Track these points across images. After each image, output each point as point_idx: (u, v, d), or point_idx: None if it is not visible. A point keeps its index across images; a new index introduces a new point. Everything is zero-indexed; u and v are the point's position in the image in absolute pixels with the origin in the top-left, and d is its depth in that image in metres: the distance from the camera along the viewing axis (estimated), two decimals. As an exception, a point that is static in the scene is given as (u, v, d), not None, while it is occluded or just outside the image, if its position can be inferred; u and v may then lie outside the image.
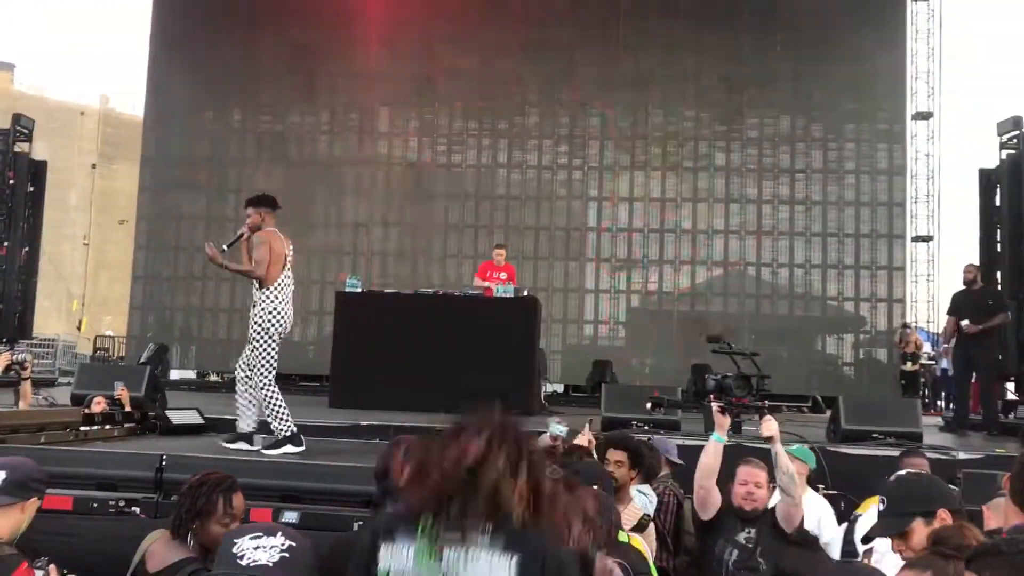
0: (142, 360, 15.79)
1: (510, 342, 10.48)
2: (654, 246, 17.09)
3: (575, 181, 17.50)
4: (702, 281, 17.21)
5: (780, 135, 17.07)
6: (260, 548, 1.54)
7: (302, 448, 6.12)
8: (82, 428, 6.62)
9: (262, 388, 6.35)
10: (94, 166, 35.25)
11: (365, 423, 7.96)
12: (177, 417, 7.63)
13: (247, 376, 6.51)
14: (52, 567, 2.91)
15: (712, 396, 6.04)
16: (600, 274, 17.32)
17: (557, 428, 5.06)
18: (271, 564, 1.50)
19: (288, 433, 6.21)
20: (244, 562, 1.52)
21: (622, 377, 15.50)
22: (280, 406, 6.32)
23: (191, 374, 18.45)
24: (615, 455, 4.49)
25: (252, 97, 18.40)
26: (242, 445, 6.10)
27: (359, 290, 11.36)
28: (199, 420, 7.75)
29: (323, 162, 18.10)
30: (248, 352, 6.48)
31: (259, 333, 6.36)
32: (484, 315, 10.68)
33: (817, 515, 5.00)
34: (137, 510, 3.83)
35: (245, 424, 6.37)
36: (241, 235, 6.45)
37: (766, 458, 4.39)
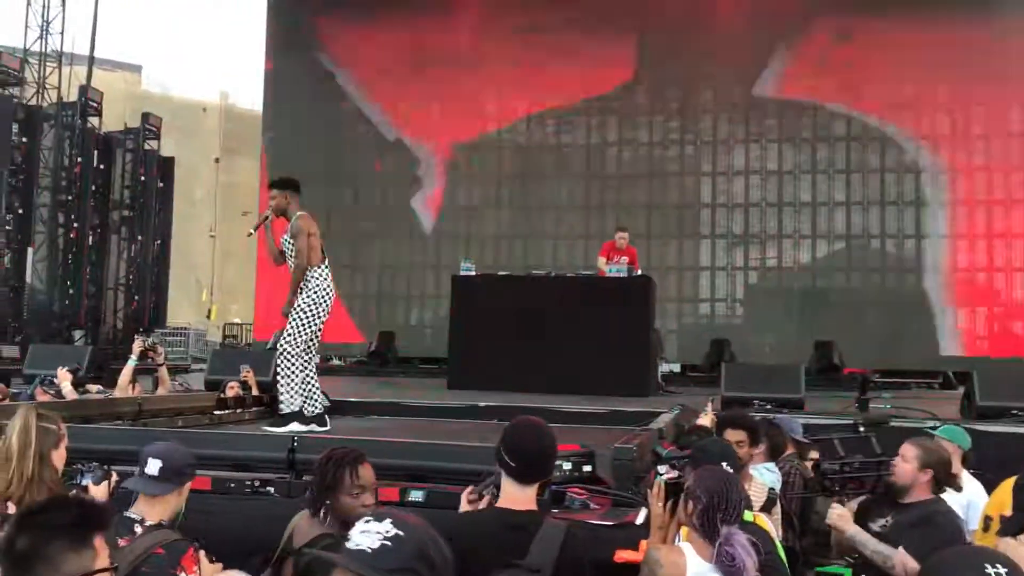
0: (269, 346, 16.35)
1: (625, 322, 10.40)
2: (771, 221, 16.65)
3: (687, 156, 17.20)
4: (823, 256, 16.67)
5: (903, 102, 16.31)
6: (365, 533, 1.57)
7: (320, 427, 6.04)
8: (216, 412, 6.93)
9: (285, 357, 6.07)
10: (217, 160, 36.64)
11: (483, 404, 8.05)
12: (304, 400, 7.85)
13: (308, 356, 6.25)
14: (201, 553, 3.06)
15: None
16: (716, 251, 17.00)
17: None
18: (370, 550, 1.53)
19: (296, 409, 6.06)
20: (350, 545, 1.55)
21: (741, 355, 15.19)
22: (297, 376, 6.11)
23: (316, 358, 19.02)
24: (734, 435, 4.40)
25: (368, 88, 18.76)
26: (313, 427, 6.02)
27: (473, 273, 11.47)
28: (326, 402, 7.97)
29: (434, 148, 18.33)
30: (288, 328, 6.16)
31: (306, 310, 6.06)
32: (598, 296, 10.64)
33: (967, 499, 4.70)
34: (272, 489, 3.98)
35: (311, 406, 6.16)
36: (266, 217, 6.25)
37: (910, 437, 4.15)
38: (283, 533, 3.17)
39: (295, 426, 5.85)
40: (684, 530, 3.01)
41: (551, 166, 17.78)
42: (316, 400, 6.24)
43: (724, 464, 3.33)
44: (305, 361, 6.17)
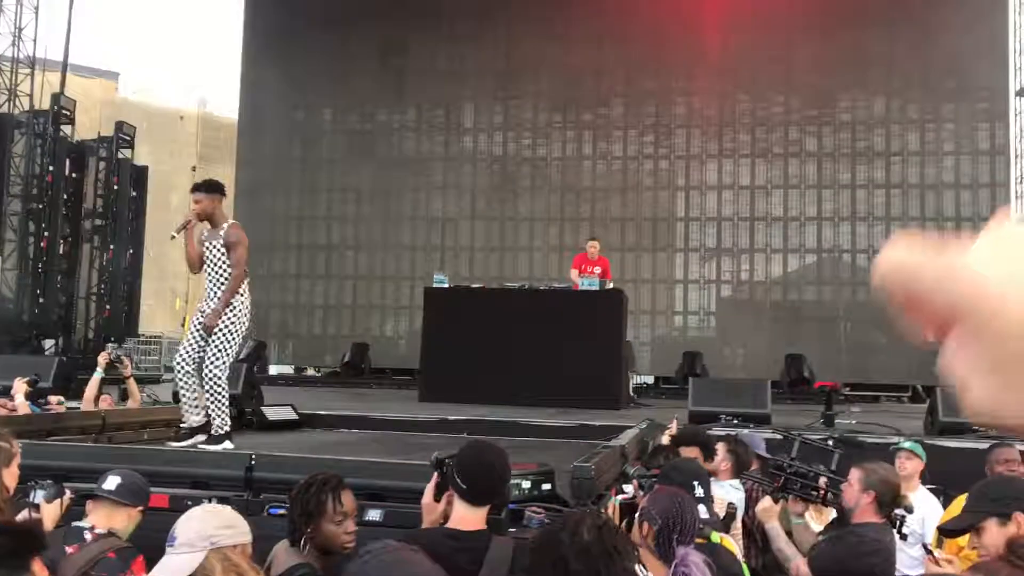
0: (240, 357, 16.29)
1: (597, 335, 10.47)
2: (744, 235, 16.80)
3: (661, 171, 17.33)
4: (795, 269, 16.84)
5: (874, 118, 16.54)
6: None
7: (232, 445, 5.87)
8: (182, 425, 6.89)
9: (218, 382, 5.81)
10: (194, 168, 36.48)
11: (453, 418, 8.06)
12: (273, 413, 7.86)
13: (193, 369, 5.93)
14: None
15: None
16: (689, 264, 17.13)
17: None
18: None
19: (228, 429, 5.91)
20: None
21: (713, 368, 15.31)
22: (226, 401, 5.93)
23: (289, 369, 18.97)
24: (688, 451, 4.45)
25: (342, 96, 18.78)
26: (199, 438, 5.82)
27: (447, 285, 11.50)
28: (294, 416, 7.97)
29: (410, 159, 18.37)
30: (206, 344, 5.85)
31: (233, 330, 5.82)
32: (570, 309, 10.69)
33: (922, 514, 4.79)
34: (229, 508, 3.97)
35: (195, 418, 5.95)
36: (188, 222, 5.94)
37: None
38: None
39: (227, 444, 5.75)
40: (640, 552, 3.03)
41: (526, 179, 17.85)
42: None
43: (695, 483, 3.36)
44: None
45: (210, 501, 3.92)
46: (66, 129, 16.42)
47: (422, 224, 18.13)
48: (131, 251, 17.55)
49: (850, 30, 16.21)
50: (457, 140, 18.29)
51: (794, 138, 16.78)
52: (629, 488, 3.39)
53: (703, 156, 17.12)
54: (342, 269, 18.46)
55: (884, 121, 16.49)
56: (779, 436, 6.95)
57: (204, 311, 5.88)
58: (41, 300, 15.42)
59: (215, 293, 5.87)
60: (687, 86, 17.20)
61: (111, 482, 3.29)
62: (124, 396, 7.99)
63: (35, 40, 18.06)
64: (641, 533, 2.92)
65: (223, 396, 5.84)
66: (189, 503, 3.91)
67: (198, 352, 5.88)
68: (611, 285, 11.45)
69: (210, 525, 2.55)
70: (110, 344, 16.09)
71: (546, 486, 4.16)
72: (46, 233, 15.58)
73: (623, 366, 10.98)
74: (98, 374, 7.39)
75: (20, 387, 6.74)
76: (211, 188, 6.05)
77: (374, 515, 3.81)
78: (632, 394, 11.81)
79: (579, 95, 17.65)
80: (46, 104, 16.46)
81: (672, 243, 17.17)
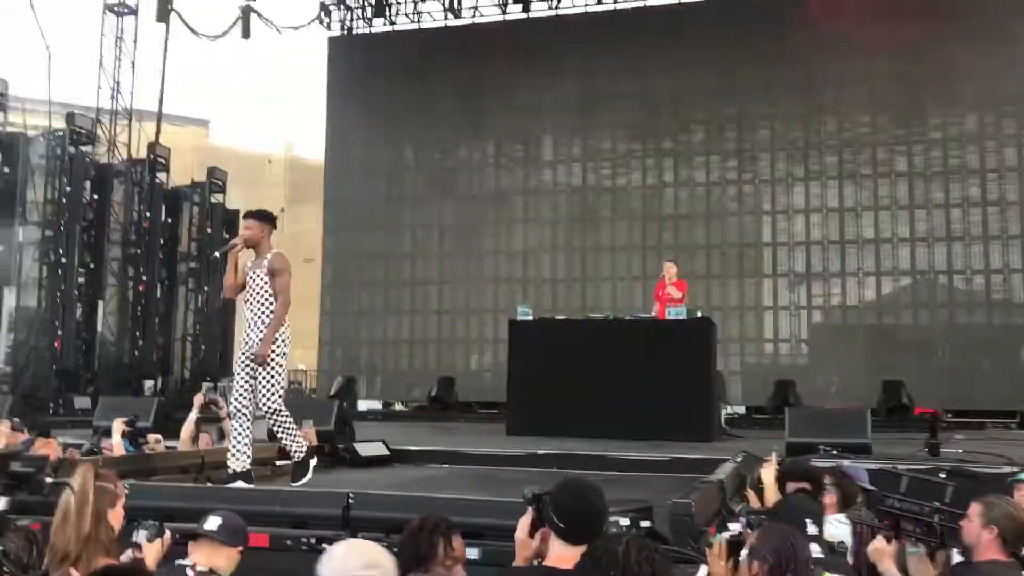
0: (331, 393, 16.58)
1: (685, 365, 10.27)
2: (834, 258, 16.38)
3: (746, 196, 17.07)
4: (889, 292, 16.32)
5: (967, 134, 16.01)
6: None
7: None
8: (277, 463, 6.99)
9: (279, 413, 5.74)
10: (282, 210, 37.47)
11: (542, 452, 7.99)
12: (364, 449, 7.91)
13: (250, 409, 5.80)
14: None
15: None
16: (778, 290, 16.76)
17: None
18: None
19: (305, 450, 5.85)
20: None
21: (807, 396, 14.89)
22: (294, 428, 5.86)
23: (378, 404, 19.17)
24: (794, 487, 4.29)
25: (423, 135, 19.10)
26: (240, 484, 5.61)
27: (531, 318, 11.47)
28: (385, 452, 8.02)
29: (491, 194, 18.52)
30: (249, 380, 5.77)
31: (280, 361, 5.78)
32: (658, 339, 10.52)
33: None
34: (327, 546, 3.98)
35: (242, 462, 5.77)
36: (233, 245, 5.87)
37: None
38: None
39: (313, 462, 5.80)
40: None
41: (607, 208, 17.79)
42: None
43: (808, 520, 3.24)
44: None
45: (308, 540, 3.95)
46: (161, 176, 17.07)
47: (504, 257, 18.22)
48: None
49: (936, 46, 15.78)
50: (536, 173, 18.37)
51: (883, 158, 16.33)
52: (735, 525, 3.28)
53: (788, 179, 16.80)
54: (427, 304, 18.65)
55: (978, 137, 15.94)
56: (880, 466, 6.70)
57: (249, 342, 5.77)
58: (140, 342, 15.96)
59: (257, 322, 5.76)
60: (769, 110, 16.97)
61: (212, 522, 3.34)
62: (222, 435, 8.14)
63: (132, 93, 18.87)
64: (751, 572, 2.83)
65: (289, 423, 5.80)
66: (288, 543, 3.96)
67: (251, 391, 5.77)
68: (699, 314, 11.22)
69: (352, 564, 2.44)
70: (205, 384, 16.54)
71: (645, 523, 4.08)
72: (144, 277, 16.15)
73: (714, 396, 10.75)
74: (194, 415, 7.56)
75: (118, 427, 6.92)
76: (262, 216, 6.01)
77: (471, 554, 3.77)
78: (724, 425, 11.54)
79: (658, 123, 17.57)
80: (142, 153, 17.14)
81: (759, 269, 16.84)
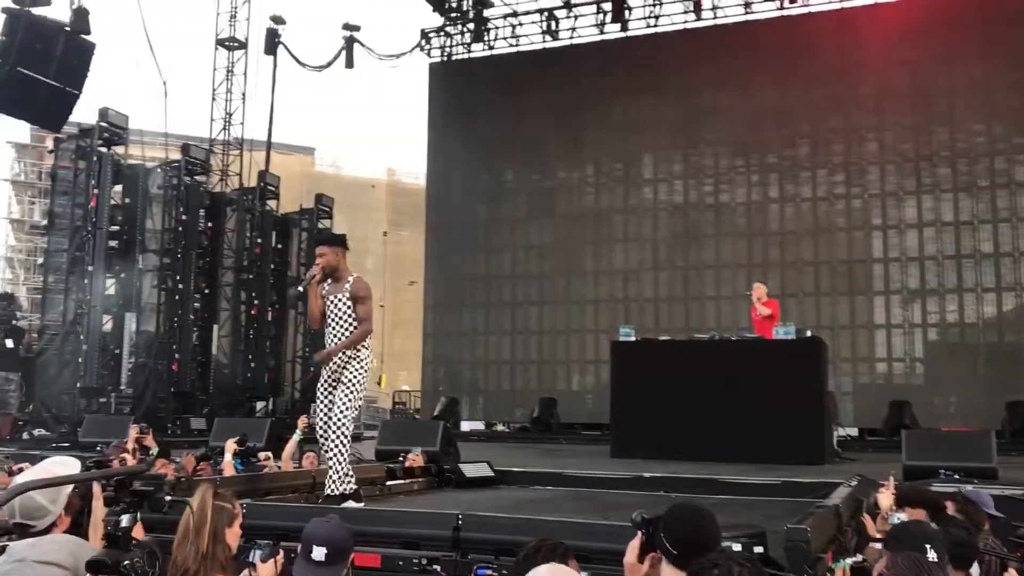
0: (435, 414, 16.76)
1: (795, 386, 9.98)
2: (950, 274, 15.72)
3: (855, 210, 16.57)
4: (1011, 308, 15.55)
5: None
6: None
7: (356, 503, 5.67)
8: (387, 483, 7.10)
9: (342, 436, 5.65)
10: (385, 233, 38.36)
11: (648, 475, 7.87)
12: (470, 470, 7.95)
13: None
14: None
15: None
16: (891, 307, 16.18)
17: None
18: None
19: (352, 489, 5.72)
20: None
21: (923, 418, 14.29)
22: (347, 459, 5.75)
23: (480, 425, 19.29)
24: (913, 513, 4.11)
25: (522, 158, 19.24)
26: (350, 504, 5.59)
27: (633, 338, 11.36)
28: (490, 473, 8.04)
29: (591, 213, 18.49)
30: (329, 400, 5.76)
31: (357, 386, 5.69)
32: (766, 359, 10.27)
33: None
34: (438, 568, 4.02)
35: (349, 484, 5.74)
36: (312, 276, 5.75)
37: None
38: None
39: (351, 504, 5.55)
40: None
41: (710, 225, 17.53)
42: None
43: (928, 547, 3.10)
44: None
45: (420, 561, 3.99)
46: (271, 203, 17.64)
47: (605, 277, 18.13)
48: (331, 315, 18.48)
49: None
50: (636, 192, 18.26)
51: (1001, 168, 15.64)
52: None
53: (900, 193, 16.24)
54: (527, 325, 18.70)
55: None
56: (1009, 492, 6.37)
57: (332, 366, 5.74)
58: (252, 364, 16.47)
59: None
60: (877, 121, 16.47)
61: (318, 552, 3.35)
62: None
63: (243, 124, 19.64)
64: None
65: (344, 452, 5.65)
66: (400, 563, 4.00)
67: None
68: (809, 333, 10.92)
69: None
70: (313, 406, 16.97)
71: (758, 548, 3.97)
72: (256, 301, 16.68)
73: (826, 418, 10.41)
74: (297, 436, 7.73)
75: (230, 447, 7.09)
76: (334, 241, 5.95)
77: (581, 578, 3.73)
78: (836, 448, 11.17)
79: (762, 138, 17.25)
80: (253, 181, 17.77)
81: (870, 286, 16.30)
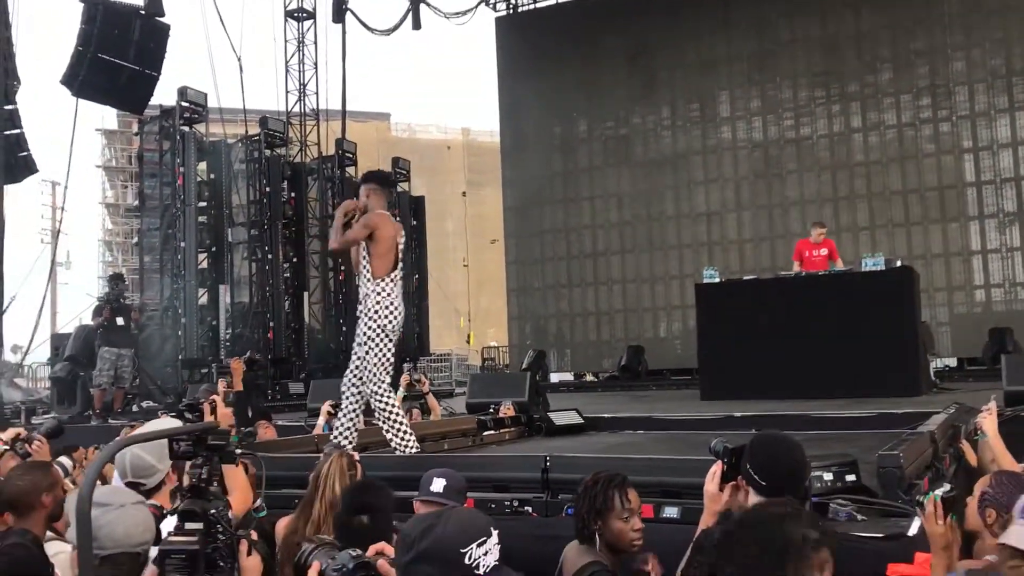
0: (524, 367, 16.91)
1: (887, 319, 9.77)
2: (1050, 193, 15.05)
3: (943, 134, 15.94)
4: (1117, 224, 14.83)
5: None
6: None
7: None
8: (480, 434, 7.26)
9: (378, 396, 5.44)
10: (464, 194, 38.57)
11: (739, 414, 7.84)
12: (559, 418, 8.05)
13: (358, 389, 5.59)
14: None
15: None
16: (987, 232, 15.59)
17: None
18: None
19: (413, 450, 5.49)
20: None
21: (1027, 345, 13.81)
22: (399, 418, 5.52)
23: (568, 376, 19.41)
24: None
25: (595, 106, 19.04)
26: None
27: (718, 280, 11.25)
28: (579, 420, 8.13)
29: (669, 157, 18.23)
30: (361, 355, 5.55)
31: (373, 331, 5.42)
32: (855, 293, 10.06)
33: None
34: (529, 509, 4.12)
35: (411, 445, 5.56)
36: (353, 215, 5.55)
37: None
38: (540, 551, 3.27)
39: None
40: (982, 543, 2.77)
41: (792, 161, 17.11)
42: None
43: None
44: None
45: (511, 503, 4.09)
46: (350, 171, 17.88)
47: (687, 221, 17.91)
48: (416, 276, 18.74)
49: None
50: (715, 131, 17.90)
51: (1103, 77, 14.82)
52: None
53: (991, 112, 15.54)
54: (610, 274, 18.65)
55: None
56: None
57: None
58: (344, 328, 16.85)
59: (363, 289, 5.65)
60: (963, 39, 15.75)
61: (437, 484, 3.52)
62: (425, 411, 8.53)
63: (317, 94, 19.90)
64: (988, 520, 2.67)
65: (392, 413, 5.50)
66: (492, 506, 4.10)
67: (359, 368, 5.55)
68: (899, 263, 10.64)
69: None
70: (406, 365, 17.29)
71: (850, 477, 3.95)
72: (343, 267, 17.02)
73: (920, 349, 10.16)
74: (401, 392, 7.97)
75: (325, 410, 7.34)
76: (367, 178, 5.90)
77: (671, 512, 3.78)
78: (934, 379, 10.91)
79: (840, 66, 16.69)
80: (331, 150, 18.03)
81: (964, 211, 15.72)
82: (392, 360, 5.52)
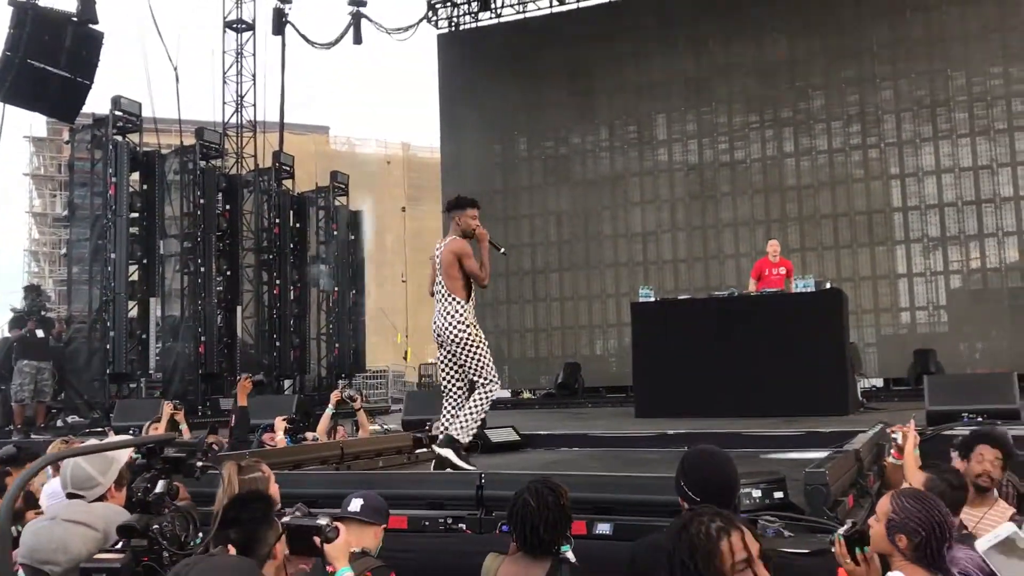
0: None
1: (816, 339, 10.01)
2: (970, 220, 15.60)
3: (872, 160, 16.43)
4: (1033, 251, 15.43)
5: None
6: None
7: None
8: (415, 451, 7.22)
9: (488, 399, 5.95)
10: (403, 209, 38.41)
11: (672, 432, 7.94)
12: (496, 435, 8.05)
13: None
14: None
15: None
16: (912, 256, 16.09)
17: None
18: None
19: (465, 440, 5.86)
20: None
21: (948, 365, 14.25)
22: (478, 417, 5.95)
23: (505, 393, 19.40)
24: (990, 452, 4.15)
25: (535, 125, 19.19)
26: (447, 452, 5.71)
27: (653, 299, 11.39)
28: (516, 437, 8.14)
29: (607, 177, 18.45)
30: (456, 379, 6.04)
31: (472, 355, 5.93)
32: (785, 314, 10.29)
33: None
34: (463, 526, 4.11)
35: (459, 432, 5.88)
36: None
37: None
38: (475, 568, 3.26)
39: (448, 452, 5.68)
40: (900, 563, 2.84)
41: (726, 183, 17.45)
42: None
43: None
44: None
45: (445, 521, 4.08)
46: (287, 183, 17.71)
47: (623, 240, 18.12)
48: (353, 292, 18.61)
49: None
50: (652, 153, 18.18)
51: (1019, 111, 15.43)
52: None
53: (916, 140, 16.09)
54: (548, 292, 18.76)
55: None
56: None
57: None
58: (278, 344, 16.63)
59: (451, 308, 6.06)
60: (891, 69, 16.28)
61: (355, 504, 3.51)
62: (357, 428, 8.45)
63: (255, 106, 19.70)
64: (901, 545, 2.74)
65: (480, 413, 5.94)
66: (426, 523, 4.09)
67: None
68: (828, 285, 10.91)
69: None
70: (341, 382, 17.12)
71: (778, 494, 4.02)
72: (278, 281, 16.82)
73: (848, 369, 10.43)
74: (330, 410, 7.89)
75: (280, 425, 7.36)
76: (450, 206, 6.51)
77: (604, 528, 3.81)
78: (861, 398, 11.19)
79: (774, 92, 17.11)
80: (268, 162, 17.84)
81: (891, 235, 16.20)
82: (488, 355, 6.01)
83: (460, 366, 5.97)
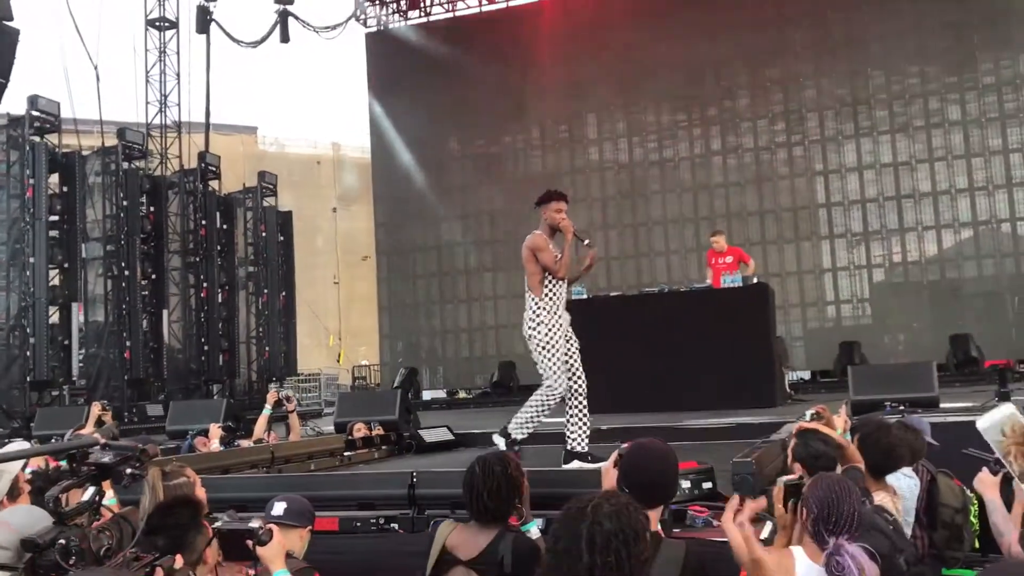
0: (395, 385, 16.78)
1: (745, 333, 10.18)
2: (891, 215, 16.05)
3: (796, 158, 16.81)
4: (951, 245, 15.94)
5: (1021, 76, 15.53)
6: None
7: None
8: (346, 453, 7.15)
9: (548, 398, 6.10)
10: (334, 210, 37.97)
11: (606, 427, 7.99)
12: (430, 436, 8.02)
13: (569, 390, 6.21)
14: None
15: None
16: (836, 251, 16.49)
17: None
18: None
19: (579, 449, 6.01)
20: None
21: (873, 357, 14.66)
22: (540, 417, 6.11)
23: (441, 393, 19.35)
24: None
25: (466, 124, 19.16)
26: (576, 464, 5.94)
27: (585, 296, 11.45)
28: (450, 437, 8.12)
29: (538, 176, 18.47)
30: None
31: (543, 352, 6.13)
32: (714, 308, 10.45)
33: None
34: (396, 526, 4.07)
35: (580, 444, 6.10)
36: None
37: None
38: (408, 567, 3.23)
39: (576, 463, 5.81)
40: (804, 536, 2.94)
41: (656, 182, 17.66)
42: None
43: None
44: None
45: (377, 521, 4.04)
46: (214, 184, 17.38)
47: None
48: (284, 294, 18.35)
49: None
50: (582, 152, 18.30)
51: (935, 108, 15.93)
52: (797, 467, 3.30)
53: (839, 138, 16.49)
54: (482, 291, 18.75)
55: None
56: (951, 419, 6.58)
57: None
58: (206, 348, 16.31)
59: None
60: (814, 68, 16.67)
61: (278, 508, 3.46)
62: (288, 431, 8.34)
63: (179, 105, 19.25)
64: (802, 518, 2.83)
65: (541, 408, 6.08)
66: (357, 524, 4.05)
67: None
68: (755, 280, 11.11)
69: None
70: (272, 386, 16.88)
71: (707, 484, 4.09)
72: (205, 284, 16.49)
73: (776, 362, 10.64)
74: (267, 411, 7.75)
75: (215, 432, 7.23)
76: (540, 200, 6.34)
77: (537, 523, 3.81)
78: (789, 390, 11.43)
79: (701, 91, 17.37)
80: (194, 163, 17.47)
81: (816, 231, 16.58)
82: (561, 357, 6.10)
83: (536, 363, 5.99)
